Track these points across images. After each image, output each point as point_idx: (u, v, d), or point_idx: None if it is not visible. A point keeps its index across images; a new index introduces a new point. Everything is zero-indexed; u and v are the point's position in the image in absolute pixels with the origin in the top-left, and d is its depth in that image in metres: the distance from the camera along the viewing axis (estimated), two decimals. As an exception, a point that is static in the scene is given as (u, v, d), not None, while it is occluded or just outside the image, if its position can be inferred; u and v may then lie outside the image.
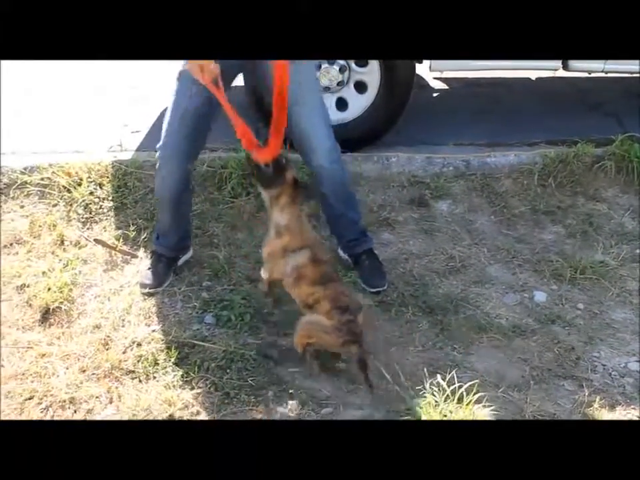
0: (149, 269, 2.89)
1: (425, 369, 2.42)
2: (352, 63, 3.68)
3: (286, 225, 2.51)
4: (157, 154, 2.73)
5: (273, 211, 2.54)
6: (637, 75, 3.84)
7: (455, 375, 2.26)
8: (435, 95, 4.80)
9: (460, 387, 2.20)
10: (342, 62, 3.67)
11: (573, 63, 3.73)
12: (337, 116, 3.74)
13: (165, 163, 2.72)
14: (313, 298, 2.44)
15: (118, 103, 4.61)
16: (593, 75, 4.26)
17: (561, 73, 4.16)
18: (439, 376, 2.28)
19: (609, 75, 4.06)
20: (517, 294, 2.86)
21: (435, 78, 4.86)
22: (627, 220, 3.33)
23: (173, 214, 2.83)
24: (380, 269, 2.90)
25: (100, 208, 3.28)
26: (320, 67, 3.66)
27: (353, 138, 3.63)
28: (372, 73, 3.67)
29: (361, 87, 3.73)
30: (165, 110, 2.72)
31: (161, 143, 2.71)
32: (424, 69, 4.03)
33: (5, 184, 3.45)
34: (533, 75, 4.89)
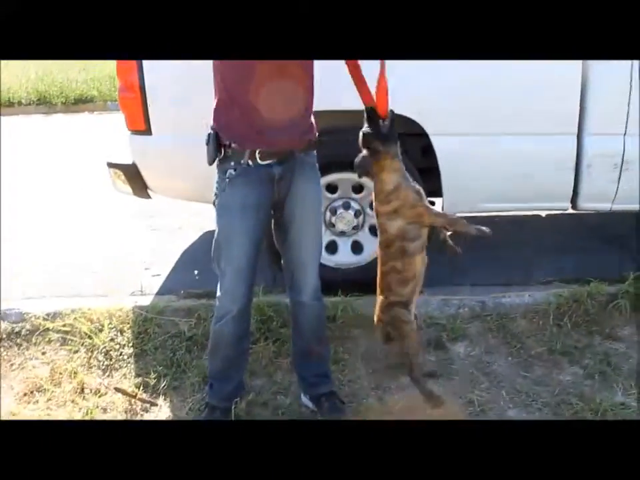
0: None
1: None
2: (367, 208, 3.80)
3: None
4: (218, 292, 2.70)
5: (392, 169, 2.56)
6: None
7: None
8: (448, 232, 4.89)
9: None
10: (357, 207, 3.80)
11: (581, 203, 3.81)
12: (352, 259, 3.84)
13: (220, 306, 2.70)
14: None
15: (139, 245, 4.74)
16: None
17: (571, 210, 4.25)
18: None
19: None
20: (538, 439, 2.82)
21: (447, 216, 4.97)
22: (645, 359, 3.32)
23: (231, 356, 2.77)
24: (340, 409, 2.87)
25: (120, 355, 3.33)
26: (335, 211, 3.79)
27: (369, 281, 3.70)
28: (386, 216, 3.78)
29: (375, 230, 3.81)
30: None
31: (219, 281, 2.69)
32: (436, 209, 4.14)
33: (27, 330, 3.53)
34: (543, 212, 5.00)
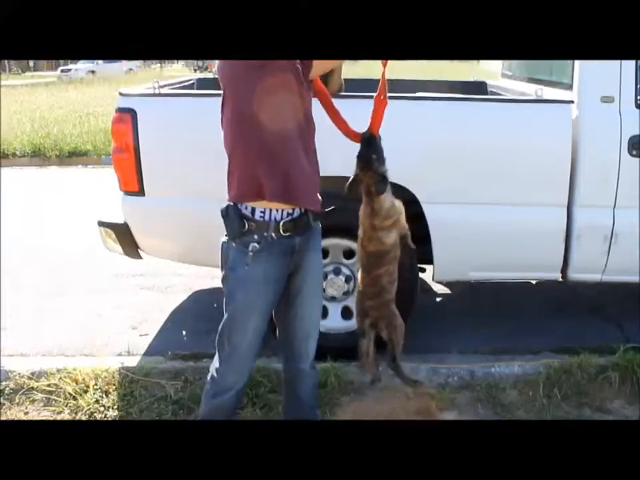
0: None
1: None
2: (357, 273, 3.80)
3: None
4: (216, 367, 2.59)
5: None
6: (636, 282, 3.90)
7: None
8: (437, 299, 4.92)
9: None
10: (347, 272, 3.81)
11: (571, 274, 3.83)
12: (342, 324, 3.83)
13: (227, 381, 2.57)
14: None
15: (127, 304, 4.72)
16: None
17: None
18: None
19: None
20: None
21: (437, 282, 4.98)
22: (634, 433, 3.29)
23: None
24: None
25: (105, 417, 3.27)
26: (326, 276, 3.79)
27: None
28: (376, 282, 3.78)
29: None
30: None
31: (223, 357, 2.57)
32: (427, 275, 4.16)
33: (11, 389, 3.48)
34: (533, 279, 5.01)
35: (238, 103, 2.38)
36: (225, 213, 2.46)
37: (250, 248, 2.43)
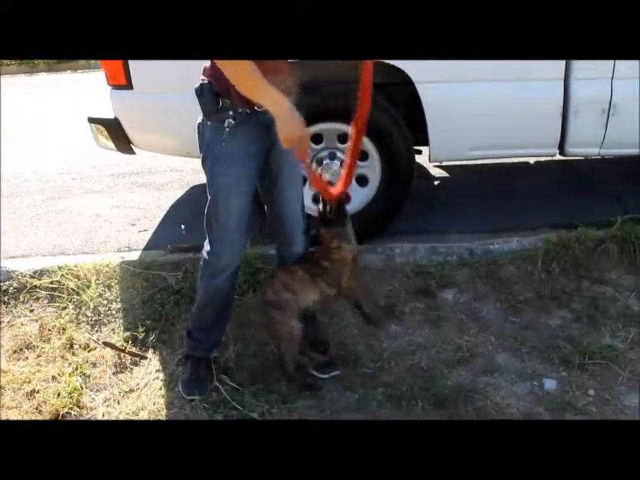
0: (191, 377, 2.78)
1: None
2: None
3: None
4: (208, 250, 2.62)
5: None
6: (635, 155, 3.87)
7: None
8: (435, 182, 4.89)
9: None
10: (343, 157, 3.76)
11: (569, 149, 3.79)
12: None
13: (221, 261, 2.60)
14: None
15: (125, 202, 4.71)
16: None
17: (559, 156, 4.23)
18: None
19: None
20: (526, 382, 2.83)
21: (435, 166, 4.95)
22: (632, 302, 3.31)
23: (224, 308, 2.76)
24: (330, 357, 2.91)
25: (108, 310, 3.32)
26: (321, 162, 3.76)
27: (356, 230, 3.68)
28: (373, 166, 3.75)
29: (362, 180, 3.80)
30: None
31: (214, 237, 2.59)
32: (424, 158, 4.12)
33: (14, 288, 3.51)
34: (531, 159, 4.98)
35: None
36: (200, 91, 2.42)
37: (226, 124, 2.40)
